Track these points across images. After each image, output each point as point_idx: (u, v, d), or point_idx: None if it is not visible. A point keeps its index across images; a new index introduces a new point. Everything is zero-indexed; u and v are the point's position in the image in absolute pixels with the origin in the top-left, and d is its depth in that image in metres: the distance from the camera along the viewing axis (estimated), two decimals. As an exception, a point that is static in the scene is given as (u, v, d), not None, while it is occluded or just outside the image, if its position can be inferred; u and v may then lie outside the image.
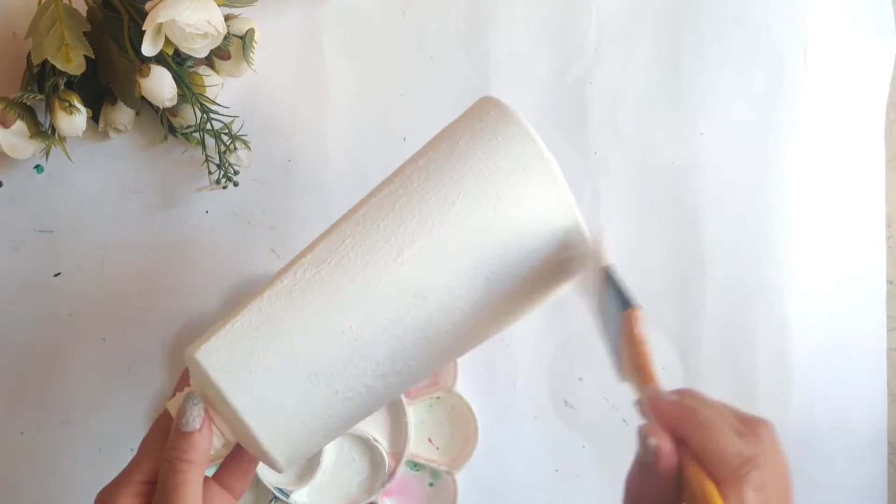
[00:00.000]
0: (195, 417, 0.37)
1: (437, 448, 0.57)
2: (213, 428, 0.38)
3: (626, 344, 0.36)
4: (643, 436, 0.35)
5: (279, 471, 0.39)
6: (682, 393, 0.35)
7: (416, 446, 0.57)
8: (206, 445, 0.37)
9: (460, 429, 0.57)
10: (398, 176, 0.40)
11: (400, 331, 0.38)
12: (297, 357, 0.37)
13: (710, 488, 0.32)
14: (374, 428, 0.56)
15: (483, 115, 0.40)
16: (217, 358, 0.37)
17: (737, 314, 0.58)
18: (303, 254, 0.40)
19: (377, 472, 0.56)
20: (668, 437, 0.34)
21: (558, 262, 0.40)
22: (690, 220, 0.58)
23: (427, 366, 0.40)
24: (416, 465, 0.57)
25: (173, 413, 0.38)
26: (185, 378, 0.41)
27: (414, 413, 0.56)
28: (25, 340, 0.56)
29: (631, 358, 0.36)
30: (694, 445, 0.33)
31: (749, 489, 0.31)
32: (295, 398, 0.37)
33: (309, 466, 0.56)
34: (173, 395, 0.40)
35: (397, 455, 0.56)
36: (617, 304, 0.38)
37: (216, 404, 0.38)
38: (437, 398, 0.57)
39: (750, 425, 0.35)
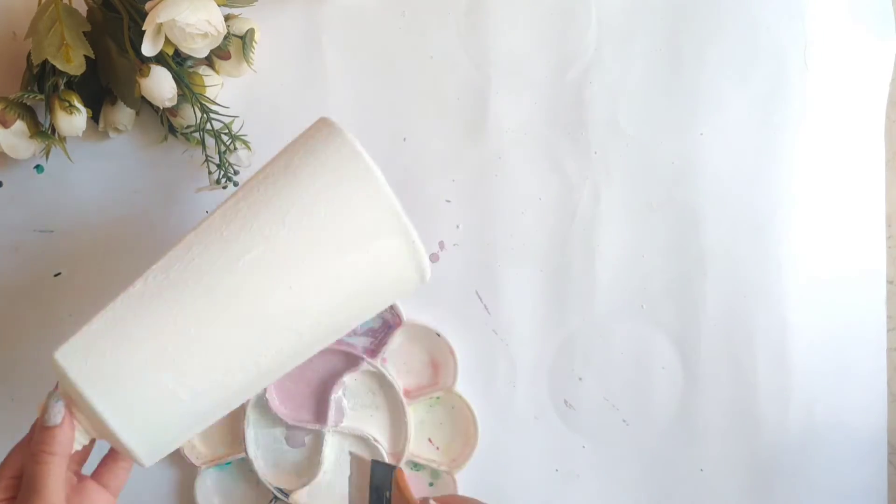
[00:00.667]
0: (56, 413, 0.41)
1: (438, 448, 0.57)
2: (75, 423, 0.41)
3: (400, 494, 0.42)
4: None
5: (141, 464, 0.42)
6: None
7: (417, 446, 0.57)
8: (66, 439, 0.40)
9: (460, 429, 0.57)
10: (241, 189, 0.44)
11: (244, 329, 0.42)
12: (148, 357, 0.40)
13: None
14: (375, 428, 0.56)
15: (315, 133, 0.45)
16: (74, 358, 0.40)
17: (737, 314, 0.58)
18: (153, 262, 0.43)
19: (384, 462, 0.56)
20: None
21: (390, 266, 0.44)
22: (690, 219, 0.58)
23: (278, 362, 0.44)
24: (416, 465, 0.57)
25: (39, 412, 0.41)
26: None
27: (414, 413, 0.56)
28: (25, 340, 0.56)
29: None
30: None
31: None
32: (148, 396, 0.40)
33: (309, 466, 0.56)
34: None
35: (397, 455, 0.56)
36: (380, 476, 0.45)
37: (77, 402, 0.40)
38: (438, 398, 0.57)
39: None
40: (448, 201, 0.58)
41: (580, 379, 0.58)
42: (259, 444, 0.56)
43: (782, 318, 0.58)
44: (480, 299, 0.57)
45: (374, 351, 0.56)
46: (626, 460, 0.58)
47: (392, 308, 0.55)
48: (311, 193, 0.43)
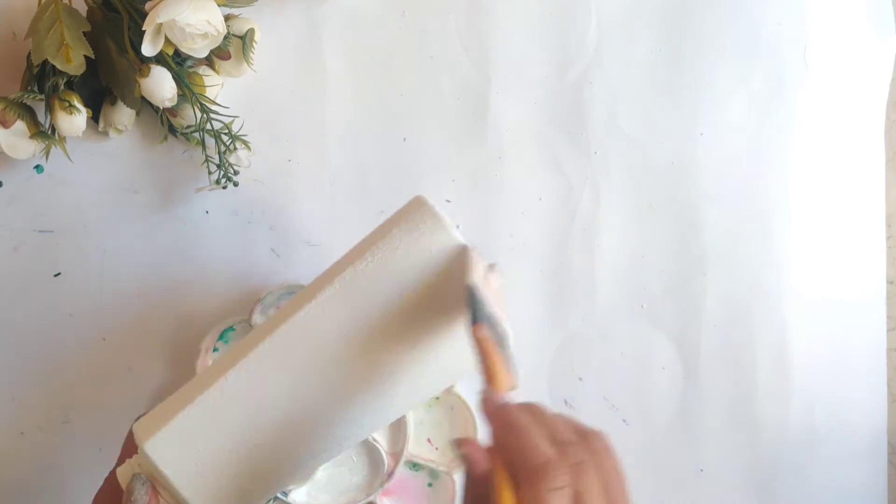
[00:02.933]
0: (142, 496, 0.42)
1: (437, 448, 0.57)
2: (159, 501, 0.42)
3: (477, 354, 0.39)
4: (456, 445, 0.38)
5: None
6: (522, 404, 0.37)
7: (416, 446, 0.57)
8: None
9: (459, 429, 0.57)
10: (338, 278, 0.42)
11: (332, 426, 0.43)
12: (238, 452, 0.42)
13: (504, 492, 0.32)
14: None
15: (419, 224, 0.42)
16: (164, 451, 0.41)
17: (737, 314, 0.58)
18: (243, 349, 0.43)
19: (376, 472, 0.56)
20: (477, 445, 0.37)
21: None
22: (690, 219, 0.58)
23: (353, 442, 0.45)
24: (415, 465, 0.57)
25: (122, 483, 0.42)
26: (130, 442, 0.44)
27: (413, 413, 0.56)
28: (25, 340, 0.56)
29: (481, 366, 0.38)
30: (506, 450, 0.34)
31: (549, 491, 0.32)
32: (234, 483, 0.42)
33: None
34: (120, 460, 0.44)
35: (396, 455, 0.56)
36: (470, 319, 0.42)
37: (163, 484, 0.42)
38: (437, 398, 0.57)
39: (581, 435, 0.36)
40: (448, 201, 0.58)
41: (580, 379, 0.58)
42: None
43: (782, 318, 0.58)
44: (480, 299, 0.57)
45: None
46: (625, 460, 0.58)
47: None
48: (417, 298, 0.41)
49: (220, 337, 0.56)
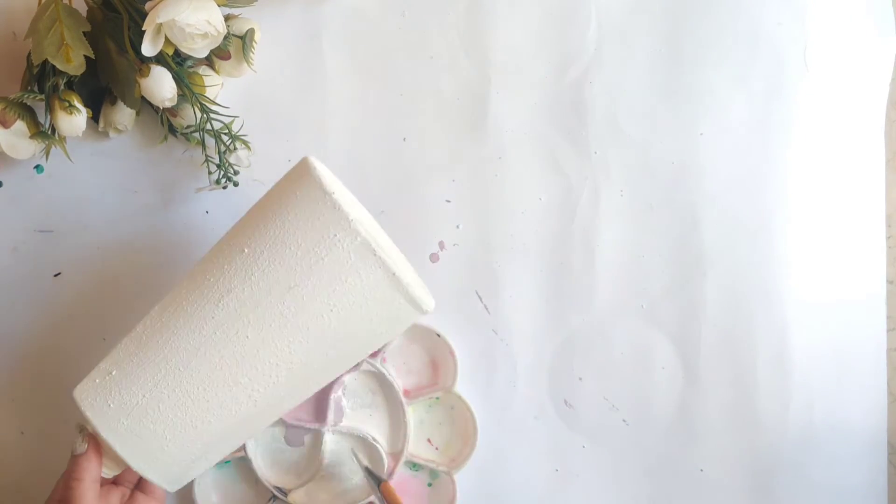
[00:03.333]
0: (80, 444, 0.45)
1: (436, 448, 0.57)
2: (100, 449, 0.45)
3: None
4: None
5: (168, 490, 0.47)
6: None
7: (415, 446, 0.57)
8: (92, 465, 0.45)
9: (459, 429, 0.57)
10: (226, 233, 0.47)
11: (232, 366, 0.45)
12: (151, 397, 0.44)
13: None
14: (373, 427, 0.56)
15: (294, 176, 0.46)
16: (86, 394, 0.45)
17: (736, 314, 0.58)
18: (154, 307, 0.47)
19: (376, 472, 0.56)
20: None
21: (375, 302, 0.46)
22: (690, 219, 0.58)
23: (276, 396, 0.46)
24: (414, 466, 0.57)
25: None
26: None
27: (413, 413, 0.56)
28: (25, 340, 0.56)
29: None
30: None
31: None
32: (157, 433, 0.45)
33: (308, 466, 0.56)
34: None
35: (396, 455, 0.56)
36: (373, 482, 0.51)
37: (94, 432, 0.45)
38: (437, 398, 0.57)
39: None
40: (448, 201, 0.58)
41: (580, 379, 0.58)
42: (258, 443, 0.56)
43: (782, 317, 0.58)
44: (480, 299, 0.57)
45: (374, 351, 0.56)
46: (626, 460, 0.58)
47: None
48: (283, 234, 0.44)
49: None
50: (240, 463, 0.56)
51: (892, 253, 0.59)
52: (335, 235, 0.44)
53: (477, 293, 0.58)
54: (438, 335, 0.56)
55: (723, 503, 0.58)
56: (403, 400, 0.56)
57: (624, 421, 0.58)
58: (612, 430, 0.58)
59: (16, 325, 0.56)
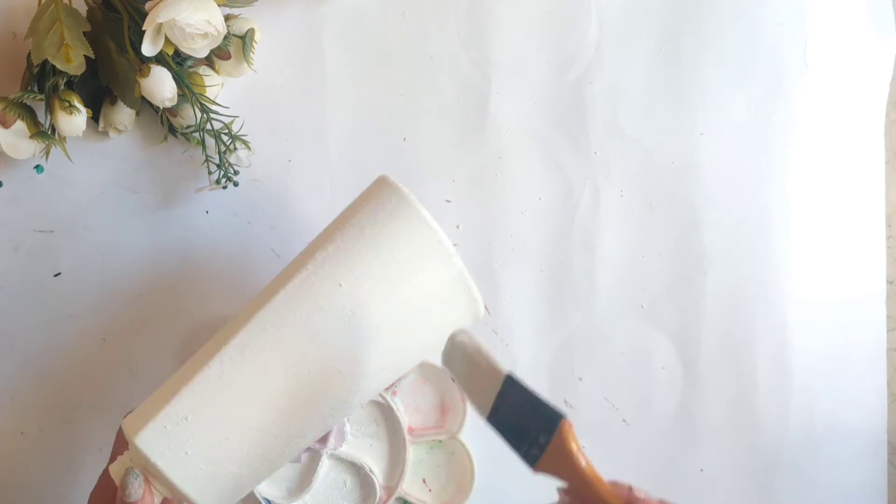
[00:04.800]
0: (136, 489, 0.42)
1: (430, 490, 0.57)
2: (153, 492, 0.43)
3: (566, 459, 0.38)
4: None
5: None
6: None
7: (410, 484, 0.56)
8: None
9: (456, 475, 0.56)
10: (311, 261, 0.44)
11: (318, 404, 0.44)
12: (233, 435, 0.42)
13: None
14: (372, 459, 0.56)
15: (385, 202, 0.45)
16: (155, 443, 0.42)
17: (737, 314, 0.58)
18: (225, 337, 0.44)
19: (367, 503, 0.55)
20: None
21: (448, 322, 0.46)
22: (690, 219, 0.58)
23: (338, 418, 0.46)
24: (405, 503, 0.56)
25: (116, 479, 0.43)
26: (121, 438, 0.45)
27: (413, 451, 0.56)
28: (25, 340, 0.56)
29: (581, 478, 0.37)
30: None
31: None
32: (227, 469, 0.43)
33: (301, 483, 0.56)
34: (112, 457, 0.45)
35: (390, 489, 0.56)
36: (532, 412, 0.38)
37: (156, 476, 0.42)
38: (440, 441, 0.56)
39: None
40: (448, 201, 0.58)
41: (580, 379, 0.58)
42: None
43: (782, 318, 0.58)
44: (480, 299, 0.58)
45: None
46: (625, 460, 0.58)
47: None
48: (385, 270, 0.43)
49: None
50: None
51: (892, 253, 0.59)
52: (437, 271, 0.43)
53: (477, 293, 0.58)
54: (453, 379, 0.55)
55: (723, 503, 0.58)
56: (407, 437, 0.55)
57: (624, 421, 0.58)
58: (612, 430, 0.58)
59: (16, 325, 0.56)
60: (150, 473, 0.42)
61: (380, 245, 0.44)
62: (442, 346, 0.43)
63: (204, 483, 0.42)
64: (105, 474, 0.45)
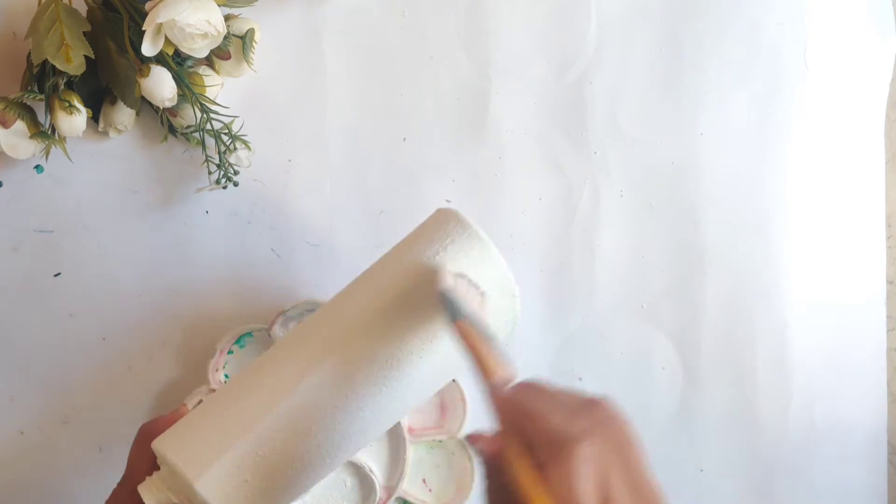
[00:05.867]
0: None
1: (430, 490, 0.57)
2: None
3: (464, 350, 0.38)
4: (468, 441, 0.38)
5: None
6: (520, 385, 0.35)
7: (410, 484, 0.56)
8: None
9: (456, 476, 0.56)
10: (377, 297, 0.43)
11: (358, 438, 0.43)
12: (283, 479, 0.41)
13: (525, 475, 0.31)
14: (372, 459, 0.56)
15: (467, 249, 0.44)
16: (216, 488, 0.39)
17: (737, 314, 0.58)
18: (289, 379, 0.41)
19: (367, 502, 0.55)
20: (489, 437, 0.36)
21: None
22: (690, 219, 0.58)
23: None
24: (405, 503, 0.56)
25: (146, 499, 0.40)
26: (143, 452, 0.43)
27: (414, 451, 0.56)
28: (25, 340, 0.56)
29: (472, 361, 0.37)
30: (525, 435, 0.32)
31: (576, 463, 0.31)
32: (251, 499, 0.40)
33: None
34: (130, 468, 0.43)
35: (390, 489, 0.56)
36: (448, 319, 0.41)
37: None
38: (440, 441, 0.56)
39: (587, 405, 0.35)
40: (448, 201, 0.58)
41: (580, 378, 0.58)
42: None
43: (782, 317, 0.58)
44: (480, 299, 0.57)
45: None
46: (626, 460, 0.58)
47: None
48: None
49: (237, 341, 0.55)
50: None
51: (892, 253, 0.59)
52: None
53: (477, 293, 0.57)
54: (454, 379, 0.55)
55: (722, 503, 0.58)
56: (407, 437, 0.55)
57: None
58: (612, 430, 0.58)
59: (16, 325, 0.56)
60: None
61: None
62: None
63: None
64: (126, 492, 0.43)
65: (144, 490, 0.40)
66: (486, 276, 0.43)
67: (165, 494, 0.40)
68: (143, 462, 0.43)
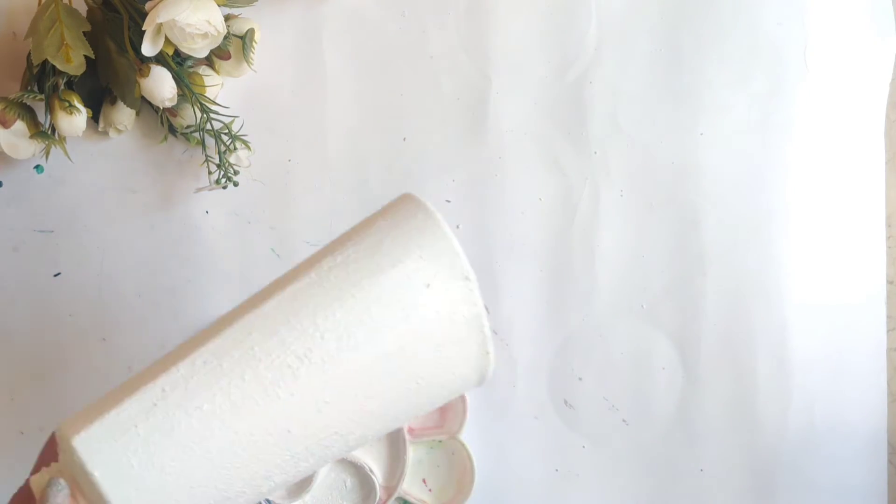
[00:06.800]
0: (58, 503, 0.34)
1: (430, 490, 0.57)
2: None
3: None
4: None
5: None
6: None
7: (410, 484, 0.56)
8: None
9: (456, 475, 0.56)
10: (314, 268, 0.38)
11: (296, 442, 0.36)
12: (189, 458, 0.35)
13: None
14: (372, 458, 0.56)
15: (409, 217, 0.39)
16: (97, 448, 0.34)
17: (736, 314, 0.58)
18: (203, 338, 0.37)
19: (367, 502, 0.55)
20: None
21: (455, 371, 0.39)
22: (690, 219, 0.58)
23: (313, 467, 0.39)
24: (405, 503, 0.56)
25: (36, 492, 0.36)
26: (50, 448, 0.38)
27: (413, 451, 0.56)
28: (25, 340, 0.56)
29: None
30: None
31: None
32: (173, 497, 0.35)
33: (301, 483, 0.56)
34: (37, 468, 0.38)
35: (390, 489, 0.56)
36: None
37: (86, 492, 0.34)
38: (440, 441, 0.56)
39: None
40: (448, 201, 0.58)
41: (580, 379, 0.58)
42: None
43: (782, 317, 0.58)
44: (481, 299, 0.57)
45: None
46: (626, 460, 0.58)
47: None
48: (398, 292, 0.37)
49: None
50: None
51: (892, 253, 0.59)
52: (455, 305, 0.37)
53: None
54: None
55: (722, 503, 0.58)
56: (407, 437, 0.55)
57: (624, 421, 0.58)
58: (612, 430, 0.58)
59: (16, 325, 0.56)
60: (81, 487, 0.34)
61: (398, 263, 0.37)
62: (433, 404, 0.39)
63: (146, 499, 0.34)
64: (23, 489, 0.38)
65: (35, 480, 0.36)
66: (436, 257, 0.38)
67: (54, 476, 0.35)
68: (46, 456, 0.39)
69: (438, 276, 0.38)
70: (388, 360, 0.37)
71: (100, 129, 0.56)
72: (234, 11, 0.55)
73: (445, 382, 0.39)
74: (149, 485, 0.34)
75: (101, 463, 0.34)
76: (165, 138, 0.56)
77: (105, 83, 0.53)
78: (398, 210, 0.40)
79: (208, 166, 0.54)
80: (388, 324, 0.37)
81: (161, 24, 0.48)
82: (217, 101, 0.55)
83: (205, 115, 0.53)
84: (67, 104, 0.51)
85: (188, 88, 0.52)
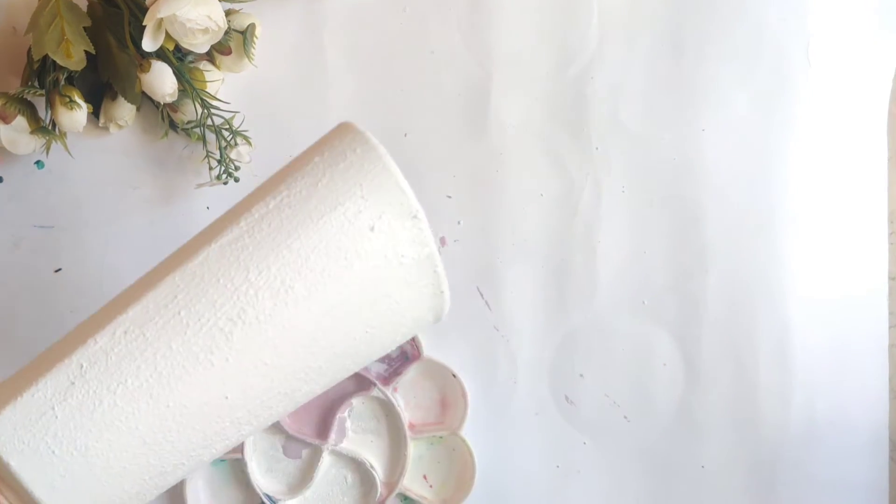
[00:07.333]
0: None
1: (431, 486, 0.57)
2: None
3: None
4: None
5: None
6: None
7: (411, 480, 0.56)
8: None
9: (457, 472, 0.56)
10: (244, 216, 0.35)
11: (236, 408, 0.34)
12: (116, 438, 0.32)
13: None
14: (373, 454, 0.56)
15: (347, 152, 0.35)
16: (11, 434, 0.31)
17: (738, 310, 0.58)
18: (122, 304, 0.34)
19: (367, 498, 0.56)
20: None
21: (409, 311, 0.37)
22: (692, 216, 0.58)
23: (259, 428, 0.36)
24: (406, 499, 0.56)
25: None
26: None
27: (414, 447, 0.56)
28: (26, 336, 0.56)
29: None
30: None
31: None
32: (103, 479, 0.32)
33: (301, 480, 0.56)
34: None
35: (391, 485, 0.56)
36: None
37: (8, 482, 0.32)
38: (441, 437, 0.56)
39: None
40: (449, 197, 0.58)
41: (581, 375, 0.58)
42: (256, 448, 0.56)
43: (784, 314, 0.58)
44: (482, 295, 0.57)
45: (387, 379, 0.55)
46: (627, 457, 0.58)
47: (413, 340, 0.55)
48: (340, 237, 0.34)
49: None
50: (235, 464, 0.56)
51: (894, 249, 0.59)
52: (403, 247, 0.35)
53: (478, 289, 0.57)
54: (454, 375, 0.55)
55: (724, 500, 0.58)
56: (407, 433, 0.55)
57: (625, 417, 0.58)
58: (613, 426, 0.58)
59: (16, 321, 0.56)
60: (2, 479, 0.32)
61: (337, 206, 0.34)
62: (386, 350, 0.37)
63: (65, 495, 0.31)
64: None
65: None
66: (379, 195, 0.35)
67: None
68: None
69: (383, 217, 0.34)
70: (332, 312, 0.34)
71: (100, 125, 0.56)
72: (235, 6, 0.55)
73: (398, 327, 0.37)
74: (74, 470, 0.31)
75: (17, 451, 0.31)
76: (166, 134, 0.56)
77: (106, 78, 0.53)
78: (335, 144, 0.36)
79: (209, 162, 0.54)
80: (330, 274, 0.33)
81: (162, 19, 0.48)
82: (218, 96, 0.55)
83: (205, 111, 0.53)
84: (68, 99, 0.50)
85: (189, 84, 0.52)
